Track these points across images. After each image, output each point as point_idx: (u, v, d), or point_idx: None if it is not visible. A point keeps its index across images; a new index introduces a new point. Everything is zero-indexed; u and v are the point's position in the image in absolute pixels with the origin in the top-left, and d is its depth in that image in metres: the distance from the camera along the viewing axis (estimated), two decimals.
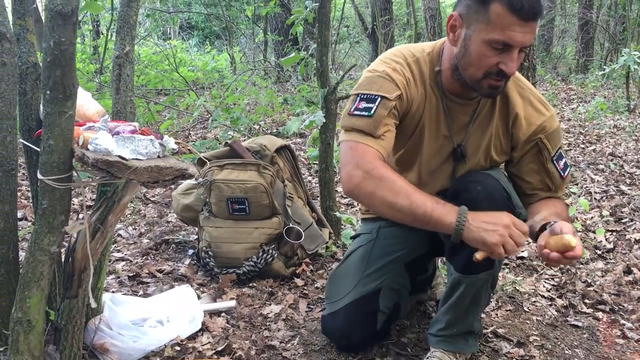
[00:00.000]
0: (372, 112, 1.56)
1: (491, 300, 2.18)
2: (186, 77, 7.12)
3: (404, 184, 1.50)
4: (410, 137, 1.72)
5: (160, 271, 2.41)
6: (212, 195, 2.35)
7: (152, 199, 3.56)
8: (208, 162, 2.39)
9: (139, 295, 2.16)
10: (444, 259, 2.49)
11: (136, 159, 1.29)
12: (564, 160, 1.72)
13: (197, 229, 2.55)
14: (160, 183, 1.28)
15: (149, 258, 2.57)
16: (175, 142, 1.48)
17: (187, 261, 2.52)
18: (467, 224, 1.43)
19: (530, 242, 2.95)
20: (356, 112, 1.58)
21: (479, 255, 1.45)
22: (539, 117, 1.69)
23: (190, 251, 2.62)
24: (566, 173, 1.72)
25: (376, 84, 1.60)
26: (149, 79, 7.28)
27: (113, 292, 2.10)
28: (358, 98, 1.60)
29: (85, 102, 1.59)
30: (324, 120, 2.63)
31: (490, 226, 1.42)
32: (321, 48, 2.66)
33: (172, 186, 3.49)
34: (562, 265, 1.50)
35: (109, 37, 7.11)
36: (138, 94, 6.65)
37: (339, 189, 3.87)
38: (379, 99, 1.57)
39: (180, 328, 1.82)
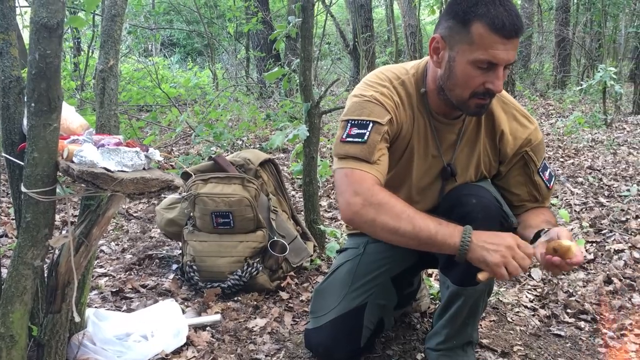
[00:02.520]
0: (366, 138, 1.55)
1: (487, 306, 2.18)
2: (168, 93, 7.12)
3: (404, 208, 1.48)
4: (400, 158, 1.72)
5: (143, 286, 2.39)
6: (196, 209, 2.35)
7: (134, 214, 3.54)
8: (192, 176, 2.39)
9: (123, 311, 2.14)
10: (430, 270, 2.54)
11: (122, 170, 1.29)
12: (549, 171, 1.75)
13: (180, 243, 2.54)
14: (146, 195, 1.28)
15: (132, 273, 2.55)
16: (161, 155, 1.48)
17: (171, 276, 2.50)
18: (471, 244, 1.42)
19: None
20: (349, 139, 1.56)
21: (481, 276, 1.44)
22: (524, 131, 1.71)
23: (174, 266, 2.61)
24: (552, 183, 1.74)
25: (366, 109, 1.59)
26: (131, 95, 7.26)
27: (96, 307, 2.07)
28: (349, 124, 1.59)
29: (69, 115, 1.58)
30: (308, 134, 2.64)
31: (492, 246, 1.40)
32: (304, 62, 2.68)
33: (155, 202, 3.48)
34: (563, 272, 1.49)
35: (90, 54, 7.09)
36: (120, 110, 6.63)
37: (323, 202, 3.88)
38: (371, 125, 1.56)
39: (164, 342, 1.81)
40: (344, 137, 1.57)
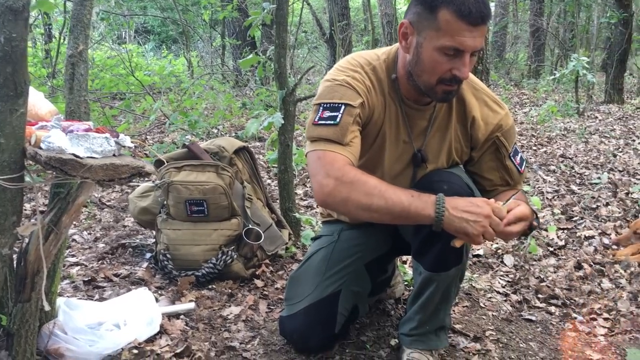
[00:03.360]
0: (338, 120, 1.55)
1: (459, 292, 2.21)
2: (142, 81, 7.02)
3: (376, 183, 1.49)
4: (373, 144, 1.72)
5: (116, 275, 2.36)
6: (170, 197, 2.32)
7: (107, 203, 3.49)
8: (166, 164, 2.37)
9: (95, 300, 2.11)
10: (404, 257, 2.56)
11: (91, 157, 1.27)
12: (520, 156, 1.77)
13: (154, 232, 2.51)
14: (116, 181, 1.26)
15: (105, 262, 2.52)
16: (132, 141, 1.46)
17: (145, 264, 2.48)
18: (446, 213, 1.43)
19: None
20: (321, 122, 1.56)
21: (457, 243, 1.47)
22: (495, 117, 1.73)
23: (148, 254, 2.58)
24: (523, 168, 1.77)
25: (338, 92, 1.59)
26: (103, 83, 7.14)
27: (68, 297, 2.05)
28: (321, 108, 1.59)
29: (38, 102, 1.55)
30: (283, 122, 2.63)
31: (471, 216, 1.43)
32: (279, 50, 2.66)
33: (129, 190, 3.44)
34: (522, 235, 1.51)
35: (62, 40, 6.96)
36: (92, 98, 6.52)
37: (299, 190, 3.88)
38: (343, 107, 1.57)
39: (137, 331, 1.79)
40: (316, 120, 1.58)
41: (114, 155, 1.32)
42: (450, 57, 1.49)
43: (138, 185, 2.62)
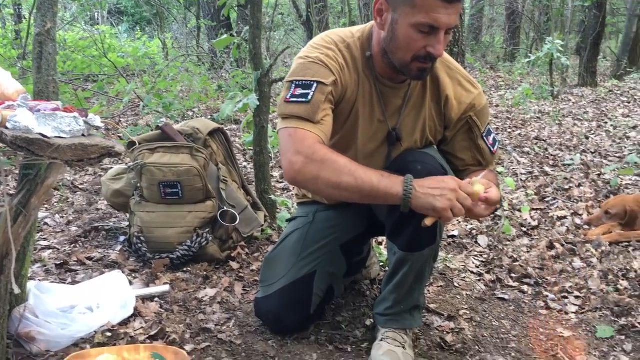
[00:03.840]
0: (309, 98, 1.54)
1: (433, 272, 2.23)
2: (116, 63, 6.90)
3: (346, 162, 1.49)
4: (345, 122, 1.72)
5: (89, 259, 2.33)
6: (144, 179, 2.29)
7: (80, 186, 3.44)
8: (138, 145, 2.33)
9: (67, 283, 2.09)
10: (380, 238, 2.57)
11: (59, 137, 1.24)
12: (492, 136, 1.78)
13: (128, 215, 2.48)
14: (85, 162, 1.24)
15: (78, 246, 2.49)
16: (103, 122, 1.43)
17: (118, 248, 2.45)
18: (414, 192, 1.44)
19: (460, 221, 3.04)
20: (293, 99, 1.56)
21: (428, 222, 1.47)
22: (468, 96, 1.73)
23: (122, 238, 2.55)
24: (495, 148, 1.78)
25: (311, 70, 1.58)
26: (75, 65, 7.00)
27: (39, 280, 2.02)
28: (293, 85, 1.58)
29: (4, 81, 1.51)
30: (258, 103, 2.61)
31: (437, 191, 1.44)
32: (254, 30, 2.63)
33: (102, 173, 3.39)
34: (488, 214, 1.52)
35: (32, 21, 6.79)
36: (64, 80, 6.40)
37: (275, 173, 3.86)
38: (315, 85, 1.56)
39: (110, 314, 1.78)
40: (288, 97, 1.57)
41: (83, 135, 1.30)
42: (425, 34, 1.49)
43: (111, 168, 2.58)
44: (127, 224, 2.57)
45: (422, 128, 1.75)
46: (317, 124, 1.53)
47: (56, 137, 1.24)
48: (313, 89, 1.55)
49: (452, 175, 1.72)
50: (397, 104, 1.72)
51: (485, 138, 1.73)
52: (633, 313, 2.08)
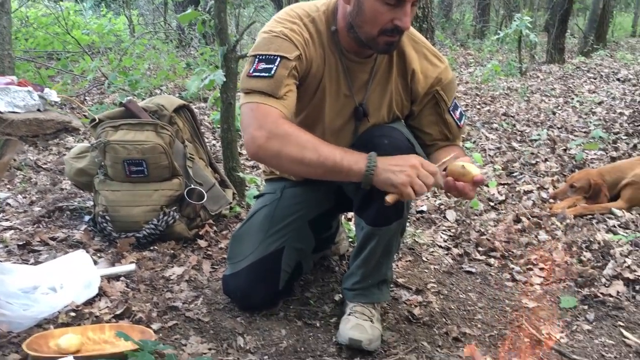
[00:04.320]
0: (272, 72, 1.52)
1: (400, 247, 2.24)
2: (80, 40, 6.72)
3: (309, 137, 1.48)
4: (312, 98, 1.70)
5: (53, 239, 2.28)
6: (107, 157, 2.24)
7: (44, 166, 3.36)
8: (101, 123, 2.28)
9: (30, 264, 2.04)
10: (350, 214, 2.57)
11: (13, 112, 1.20)
12: (459, 110, 1.78)
13: (92, 194, 2.43)
14: (40, 137, 1.20)
15: (41, 226, 2.43)
16: (60, 97, 1.39)
17: (83, 227, 2.40)
18: (376, 169, 1.44)
19: (429, 197, 3.06)
20: (255, 74, 1.53)
21: (389, 199, 1.47)
22: (435, 70, 1.72)
23: (87, 217, 2.50)
24: (462, 122, 1.78)
25: (274, 44, 1.55)
26: (37, 42, 6.80)
27: (1, 261, 1.97)
28: (256, 59, 1.55)
29: None
30: (224, 79, 2.56)
31: (397, 167, 1.43)
32: (219, 4, 2.57)
33: (66, 152, 3.31)
34: (470, 196, 1.52)
35: None
36: (26, 57, 6.21)
37: (244, 151, 3.83)
38: (278, 59, 1.53)
39: (74, 294, 1.74)
40: (250, 72, 1.54)
41: (38, 110, 1.26)
42: (391, 7, 1.48)
43: (66, 143, 2.52)
44: (91, 203, 2.52)
45: (389, 103, 1.73)
46: (280, 99, 1.51)
47: (10, 112, 1.19)
48: (276, 64, 1.52)
49: (419, 150, 1.72)
50: (364, 79, 1.70)
51: (452, 112, 1.73)
52: (595, 283, 2.13)
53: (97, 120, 2.31)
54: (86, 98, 5.34)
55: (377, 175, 1.44)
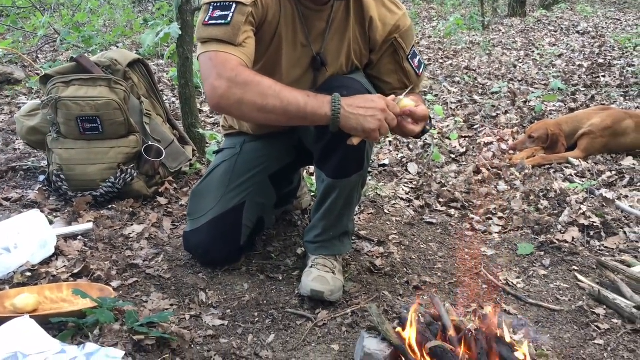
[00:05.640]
0: (229, 19, 1.47)
1: (361, 199, 2.24)
2: None
3: (271, 84, 1.44)
4: (268, 48, 1.65)
5: (6, 199, 2.22)
6: (59, 114, 2.17)
7: None
8: (52, 78, 2.19)
9: None
10: (312, 169, 2.56)
11: None
12: (418, 58, 1.76)
13: (46, 153, 2.35)
14: None
15: None
16: (5, 49, 1.32)
17: (38, 187, 2.34)
18: (342, 111, 1.42)
19: (391, 151, 3.07)
20: (211, 22, 1.48)
21: (355, 140, 1.45)
22: (393, 17, 1.69)
23: (41, 177, 2.43)
24: (421, 70, 1.76)
25: None
26: None
27: None
28: (211, 7, 1.50)
29: None
30: (180, 33, 2.48)
31: (368, 111, 1.42)
32: None
33: (17, 111, 3.19)
34: (419, 130, 1.53)
35: None
36: None
37: (205, 107, 3.76)
38: (234, 6, 1.48)
39: (29, 254, 1.70)
40: (206, 20, 1.49)
41: None
42: None
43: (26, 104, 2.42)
44: (46, 162, 2.45)
45: (347, 52, 1.71)
46: (238, 46, 1.47)
47: None
48: (232, 10, 1.48)
49: None
50: (321, 28, 1.66)
51: (410, 60, 1.72)
52: (552, 230, 2.18)
53: (48, 76, 2.22)
54: (38, 56, 5.14)
55: (345, 120, 1.42)
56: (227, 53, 1.45)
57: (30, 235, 1.75)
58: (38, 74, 4.24)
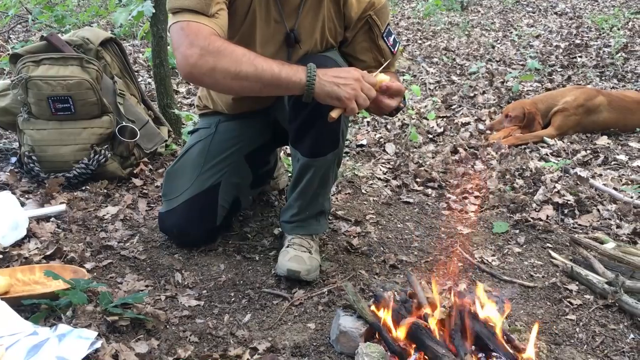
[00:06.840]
0: None
1: (337, 178, 2.24)
2: None
3: (245, 51, 1.42)
4: (242, 24, 1.63)
5: None
6: (30, 94, 2.12)
7: None
8: (21, 58, 2.14)
9: None
10: (288, 149, 2.54)
11: None
12: (393, 37, 1.75)
13: (17, 134, 2.31)
14: None
15: None
16: None
17: (9, 169, 2.29)
18: (317, 79, 1.40)
19: (369, 131, 3.06)
20: None
21: (334, 114, 1.44)
22: None
23: (13, 159, 2.39)
24: (396, 48, 1.75)
25: None
26: None
27: None
28: None
29: None
30: (154, 11, 2.44)
31: (342, 80, 1.41)
32: None
33: None
34: (395, 105, 1.53)
35: None
36: None
37: (182, 88, 3.72)
38: None
39: (0, 236, 1.67)
40: None
41: None
42: None
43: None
44: (17, 144, 2.40)
45: (322, 29, 1.69)
46: (211, 17, 1.44)
47: None
48: None
49: None
50: (294, 4, 1.64)
51: (385, 38, 1.71)
52: (527, 209, 2.20)
53: (17, 55, 2.17)
54: (10, 36, 5.02)
55: (319, 88, 1.41)
56: (200, 23, 1.43)
57: (2, 217, 1.71)
58: (9, 55, 4.15)
